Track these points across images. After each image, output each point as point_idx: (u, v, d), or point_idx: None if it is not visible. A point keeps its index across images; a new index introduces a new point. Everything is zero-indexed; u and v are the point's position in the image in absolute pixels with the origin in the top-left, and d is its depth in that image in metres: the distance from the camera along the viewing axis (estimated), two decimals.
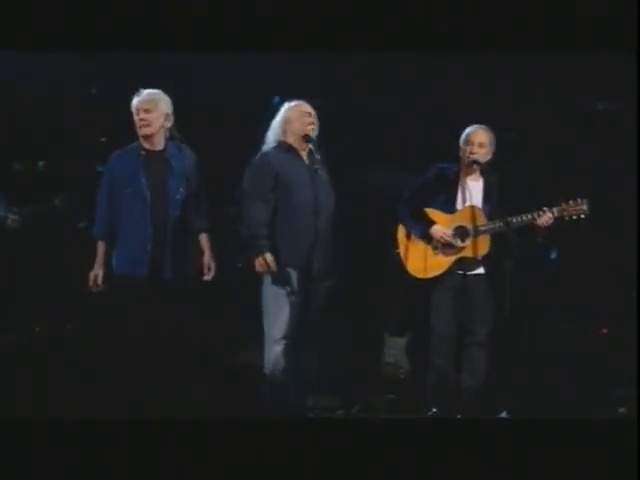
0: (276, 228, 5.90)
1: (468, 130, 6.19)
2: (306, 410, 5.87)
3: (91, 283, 5.87)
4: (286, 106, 6.03)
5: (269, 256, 5.83)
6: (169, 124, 5.93)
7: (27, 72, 7.33)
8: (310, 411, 5.87)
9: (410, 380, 6.93)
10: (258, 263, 5.86)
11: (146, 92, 5.94)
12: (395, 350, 7.15)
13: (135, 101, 5.93)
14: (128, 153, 5.95)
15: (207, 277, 5.95)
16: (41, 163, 7.86)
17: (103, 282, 5.86)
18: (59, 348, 6.67)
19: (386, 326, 7.31)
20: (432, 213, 6.17)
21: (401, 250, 6.23)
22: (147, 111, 5.88)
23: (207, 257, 5.96)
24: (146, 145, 5.93)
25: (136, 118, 5.91)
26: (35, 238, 6.85)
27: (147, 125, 5.88)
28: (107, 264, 5.88)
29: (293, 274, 5.89)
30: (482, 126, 6.18)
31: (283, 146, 5.99)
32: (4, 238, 6.23)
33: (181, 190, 5.90)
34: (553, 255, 7.52)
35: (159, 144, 5.94)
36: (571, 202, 5.99)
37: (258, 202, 5.89)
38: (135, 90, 5.96)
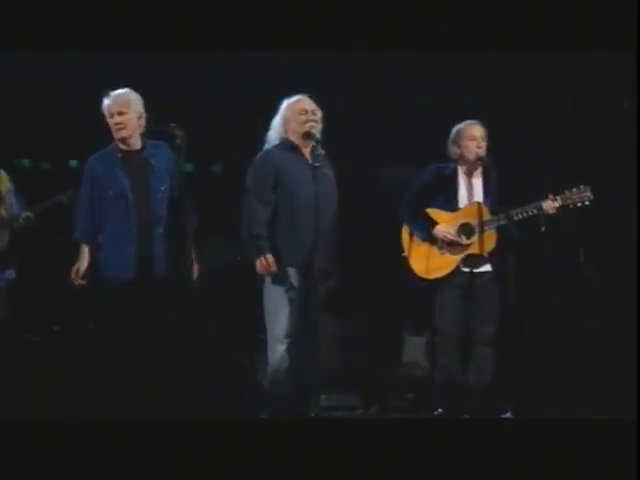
0: (277, 227, 5.88)
1: (464, 126, 6.14)
2: (309, 409, 5.86)
3: (73, 276, 5.79)
4: (285, 104, 6.00)
5: (270, 257, 5.82)
6: (143, 122, 5.86)
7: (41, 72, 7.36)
8: (313, 410, 5.86)
9: (429, 380, 6.91)
10: (259, 264, 5.85)
11: (116, 93, 5.86)
12: (414, 350, 7.15)
13: (106, 104, 5.85)
14: (106, 155, 5.88)
15: (192, 277, 5.84)
16: (71, 162, 7.87)
17: (84, 277, 5.78)
18: (69, 348, 6.67)
19: (404, 326, 7.32)
20: (435, 213, 6.16)
21: (407, 252, 6.21)
22: (121, 114, 5.81)
23: (192, 257, 5.84)
24: (123, 146, 5.86)
25: (110, 121, 5.83)
26: (50, 236, 6.83)
27: (123, 128, 5.81)
28: (92, 263, 5.82)
29: (295, 273, 5.86)
30: (474, 121, 6.15)
31: (286, 144, 5.97)
32: (20, 236, 6.20)
33: (162, 188, 5.84)
34: (582, 258, 7.53)
35: (136, 144, 5.87)
36: (574, 190, 5.99)
37: (259, 201, 5.87)
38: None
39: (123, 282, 5.75)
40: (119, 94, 5.85)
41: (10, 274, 6.16)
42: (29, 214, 6.13)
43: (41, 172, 7.93)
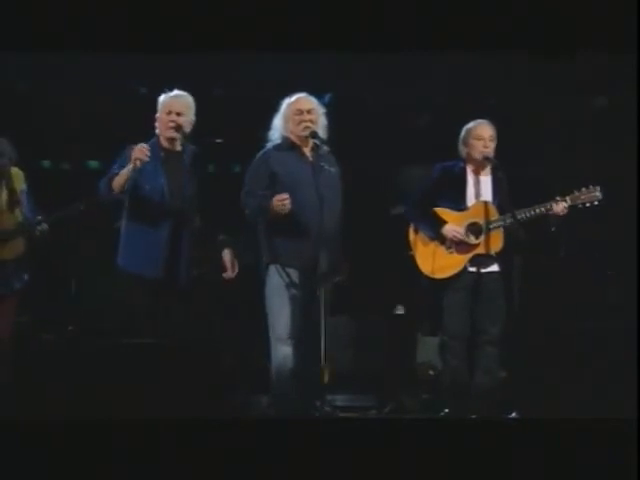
0: (278, 226, 5.87)
1: (473, 126, 6.15)
2: (313, 410, 5.85)
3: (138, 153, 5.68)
4: (284, 104, 6.00)
5: (278, 196, 5.75)
6: (188, 130, 5.91)
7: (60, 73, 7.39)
8: (317, 411, 5.85)
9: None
10: (274, 207, 5.77)
11: (180, 94, 5.92)
12: (428, 350, 7.14)
13: (167, 101, 5.89)
14: (149, 149, 5.88)
15: (230, 275, 5.99)
16: (92, 163, 7.89)
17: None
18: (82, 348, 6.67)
19: (419, 326, 7.32)
20: (443, 212, 6.14)
21: (414, 252, 6.20)
22: (179, 114, 5.87)
23: (229, 255, 5.98)
24: (165, 144, 5.91)
25: (165, 117, 5.87)
26: (65, 240, 6.84)
27: (175, 128, 5.86)
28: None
29: (296, 272, 5.86)
30: (484, 121, 6.15)
31: (286, 142, 5.97)
32: (37, 242, 6.19)
33: (194, 191, 5.89)
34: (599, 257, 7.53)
35: (178, 145, 5.93)
36: (583, 189, 5.99)
37: (254, 197, 5.87)
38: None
39: (148, 282, 5.79)
40: (182, 95, 5.91)
41: (24, 277, 6.14)
42: (45, 226, 6.08)
43: (61, 173, 7.94)
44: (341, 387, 6.83)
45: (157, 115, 5.95)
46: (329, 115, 6.03)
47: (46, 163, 7.96)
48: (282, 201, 5.72)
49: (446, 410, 6.08)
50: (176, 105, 5.88)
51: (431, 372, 7.11)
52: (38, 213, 6.12)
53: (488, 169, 6.16)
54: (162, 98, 5.94)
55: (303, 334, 5.83)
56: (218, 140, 5.83)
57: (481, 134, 6.11)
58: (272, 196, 5.80)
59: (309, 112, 5.93)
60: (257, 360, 6.56)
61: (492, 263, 6.09)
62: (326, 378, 6.11)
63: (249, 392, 6.64)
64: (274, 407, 5.96)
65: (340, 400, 6.73)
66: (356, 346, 7.49)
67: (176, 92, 5.93)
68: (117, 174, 5.79)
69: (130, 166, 5.71)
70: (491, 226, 6.04)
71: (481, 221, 6.06)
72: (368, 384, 7.10)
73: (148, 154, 5.69)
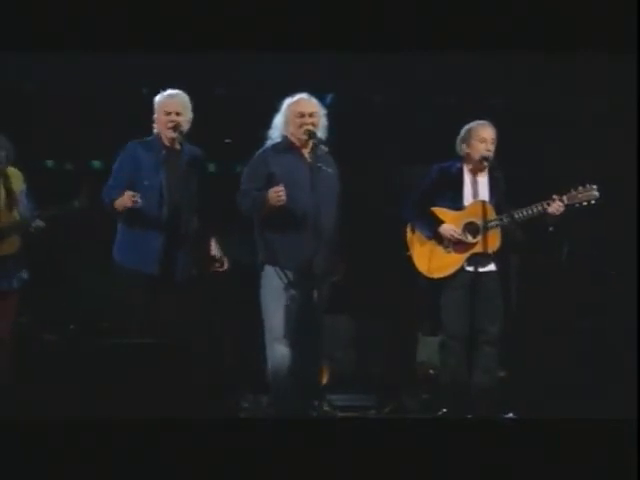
0: (274, 227, 5.87)
1: (475, 126, 6.14)
2: (311, 410, 5.85)
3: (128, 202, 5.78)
4: (285, 104, 6.00)
5: (274, 188, 5.77)
6: (187, 128, 5.95)
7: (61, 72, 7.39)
8: (315, 410, 5.85)
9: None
10: (270, 199, 5.77)
11: (176, 93, 5.95)
12: (428, 350, 7.14)
13: (164, 101, 5.93)
14: (149, 146, 5.95)
15: (219, 269, 6.02)
16: (95, 163, 7.90)
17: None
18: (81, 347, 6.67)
19: (419, 326, 7.33)
20: (440, 212, 6.14)
21: (412, 252, 6.19)
22: (178, 114, 5.91)
23: (218, 251, 6.01)
24: (166, 142, 5.95)
25: (164, 118, 5.91)
26: (62, 238, 6.83)
27: (175, 128, 5.89)
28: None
29: (292, 272, 5.85)
30: (486, 122, 6.15)
31: (286, 142, 5.97)
32: (33, 239, 6.19)
33: (192, 189, 5.91)
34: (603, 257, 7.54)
35: (177, 144, 5.97)
36: (580, 188, 5.98)
37: (248, 199, 5.88)
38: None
39: (144, 278, 5.82)
40: (179, 94, 5.95)
41: (23, 275, 6.13)
42: (40, 223, 6.08)
43: (64, 173, 7.94)
44: (341, 387, 6.84)
45: (155, 116, 5.98)
46: (329, 115, 6.02)
47: (49, 163, 7.96)
48: (277, 193, 5.73)
49: (444, 410, 6.07)
50: (174, 105, 5.92)
51: (431, 372, 7.11)
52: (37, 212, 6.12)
53: (485, 169, 6.15)
54: (158, 98, 5.97)
55: (300, 334, 5.83)
56: (227, 140, 5.84)
57: (484, 136, 6.10)
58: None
59: (311, 115, 5.92)
60: (257, 360, 6.55)
61: (490, 262, 6.09)
62: (324, 378, 6.13)
63: (249, 392, 6.63)
64: (274, 407, 5.96)
65: (340, 400, 6.74)
66: (356, 346, 7.50)
67: (170, 91, 5.96)
68: (117, 198, 5.84)
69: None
70: (488, 225, 6.04)
71: (478, 220, 6.06)
72: (368, 384, 7.11)
73: (138, 202, 5.77)
